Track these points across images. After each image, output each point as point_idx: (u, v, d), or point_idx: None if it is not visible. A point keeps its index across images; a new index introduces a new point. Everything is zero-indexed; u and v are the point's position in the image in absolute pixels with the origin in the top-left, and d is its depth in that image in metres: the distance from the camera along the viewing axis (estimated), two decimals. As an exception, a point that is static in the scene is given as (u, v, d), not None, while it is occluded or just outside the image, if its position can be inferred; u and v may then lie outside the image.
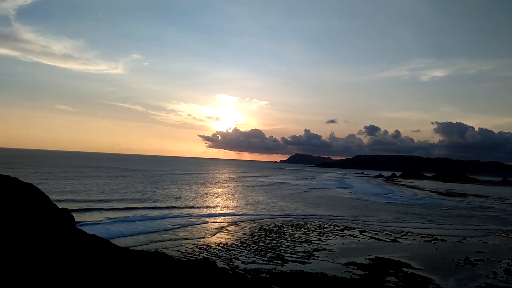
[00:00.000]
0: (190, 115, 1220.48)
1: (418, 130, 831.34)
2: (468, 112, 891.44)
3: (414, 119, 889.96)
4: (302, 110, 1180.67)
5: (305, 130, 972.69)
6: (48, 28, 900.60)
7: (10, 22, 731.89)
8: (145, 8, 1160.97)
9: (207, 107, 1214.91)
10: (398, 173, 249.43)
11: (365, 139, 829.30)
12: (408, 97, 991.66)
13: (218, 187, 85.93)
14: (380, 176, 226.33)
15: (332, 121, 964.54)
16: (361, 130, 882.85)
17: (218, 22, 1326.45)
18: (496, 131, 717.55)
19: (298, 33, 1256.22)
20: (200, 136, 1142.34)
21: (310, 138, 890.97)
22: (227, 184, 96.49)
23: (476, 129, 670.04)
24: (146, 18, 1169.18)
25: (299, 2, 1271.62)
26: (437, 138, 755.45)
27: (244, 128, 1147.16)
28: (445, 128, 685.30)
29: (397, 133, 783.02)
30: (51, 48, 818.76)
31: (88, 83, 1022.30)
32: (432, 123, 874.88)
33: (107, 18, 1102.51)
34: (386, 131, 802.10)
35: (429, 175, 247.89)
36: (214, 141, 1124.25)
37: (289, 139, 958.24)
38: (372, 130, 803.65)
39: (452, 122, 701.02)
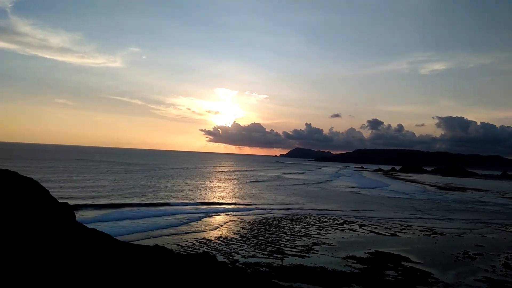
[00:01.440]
0: (189, 109, 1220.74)
1: (422, 125, 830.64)
2: (468, 105, 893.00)
3: (417, 113, 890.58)
4: (301, 104, 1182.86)
5: (306, 124, 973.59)
6: (45, 21, 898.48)
7: (6, 15, 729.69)
8: (143, 1, 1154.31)
9: (206, 101, 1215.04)
10: (397, 167, 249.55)
11: (368, 133, 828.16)
12: (408, 90, 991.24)
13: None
14: (379, 170, 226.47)
15: (337, 115, 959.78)
16: (364, 124, 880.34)
17: (217, 16, 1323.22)
18: (497, 124, 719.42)
19: (297, 26, 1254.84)
20: (202, 130, 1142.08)
21: (312, 132, 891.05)
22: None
23: (478, 123, 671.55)
24: (144, 11, 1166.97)
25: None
26: (439, 132, 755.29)
27: (244, 122, 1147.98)
28: (448, 122, 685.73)
29: (400, 127, 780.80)
30: (49, 41, 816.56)
31: (86, 76, 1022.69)
32: (433, 117, 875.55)
33: (104, 11, 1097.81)
34: (389, 125, 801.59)
35: (429, 169, 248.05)
36: (216, 135, 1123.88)
37: (291, 133, 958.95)
38: (375, 124, 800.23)
39: (454, 117, 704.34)
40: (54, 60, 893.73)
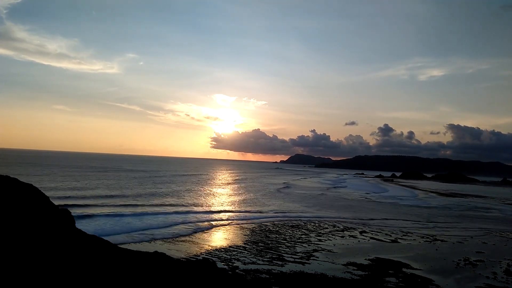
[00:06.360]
0: (188, 115, 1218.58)
1: (438, 132, 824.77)
2: (468, 111, 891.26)
3: (417, 120, 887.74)
4: (300, 110, 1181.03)
5: (311, 130, 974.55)
6: (41, 27, 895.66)
7: (2, 20, 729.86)
8: (140, 6, 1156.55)
9: (205, 107, 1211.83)
10: (398, 174, 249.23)
11: (375, 141, 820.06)
12: (407, 97, 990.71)
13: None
14: (380, 176, 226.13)
15: (353, 123, 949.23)
16: (374, 131, 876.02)
17: (215, 21, 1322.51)
18: (497, 130, 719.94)
19: (295, 32, 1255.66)
20: (210, 137, 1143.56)
21: (318, 139, 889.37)
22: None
23: (478, 129, 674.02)
24: (141, 16, 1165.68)
25: (297, 1, 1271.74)
26: (445, 140, 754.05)
27: (243, 128, 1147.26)
28: (453, 129, 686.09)
29: (410, 134, 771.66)
30: (46, 47, 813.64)
31: (84, 82, 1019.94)
32: (439, 125, 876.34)
33: (101, 17, 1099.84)
34: (401, 132, 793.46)
35: (429, 175, 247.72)
36: (219, 141, 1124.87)
37: (296, 139, 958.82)
38: (385, 131, 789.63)
39: (461, 125, 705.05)
40: (51, 66, 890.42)
